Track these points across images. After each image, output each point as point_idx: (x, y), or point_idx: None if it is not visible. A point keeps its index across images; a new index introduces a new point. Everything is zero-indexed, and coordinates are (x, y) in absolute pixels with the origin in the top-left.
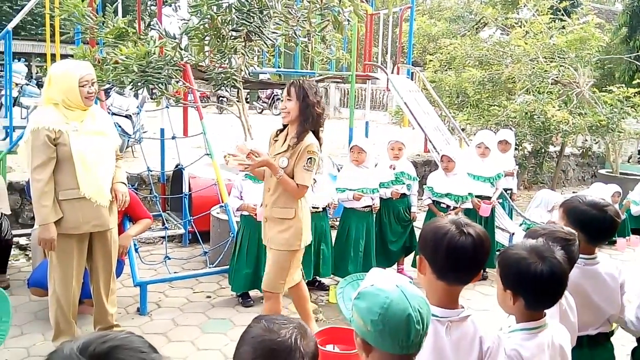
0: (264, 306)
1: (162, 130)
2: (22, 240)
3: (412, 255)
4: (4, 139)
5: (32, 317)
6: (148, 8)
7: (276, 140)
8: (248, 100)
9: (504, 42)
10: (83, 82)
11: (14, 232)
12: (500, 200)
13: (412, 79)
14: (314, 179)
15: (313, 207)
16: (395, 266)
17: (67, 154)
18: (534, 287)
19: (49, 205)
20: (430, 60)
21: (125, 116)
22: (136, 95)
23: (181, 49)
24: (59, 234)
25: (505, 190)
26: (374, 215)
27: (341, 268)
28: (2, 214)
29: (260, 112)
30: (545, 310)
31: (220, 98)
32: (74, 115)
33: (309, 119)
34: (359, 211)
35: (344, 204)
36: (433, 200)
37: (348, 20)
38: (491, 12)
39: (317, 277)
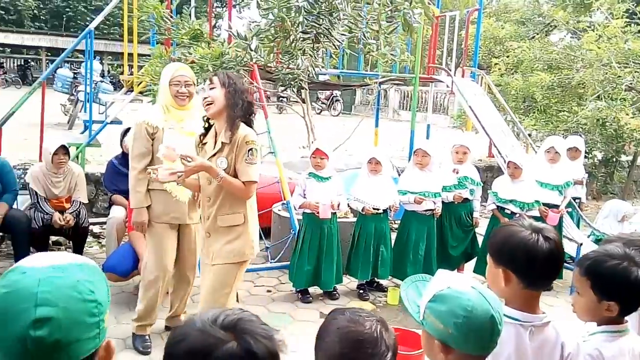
0: None
1: None
2: (96, 229)
3: (473, 261)
4: (83, 132)
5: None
6: (214, 9)
7: (204, 144)
8: (305, 100)
9: (575, 45)
10: (174, 81)
11: (89, 220)
12: (569, 210)
13: (476, 82)
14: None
15: (374, 209)
16: (455, 272)
17: (156, 149)
18: (631, 293)
19: (142, 192)
20: (496, 64)
21: None
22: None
23: (251, 50)
24: (150, 221)
25: (574, 199)
26: (435, 219)
27: (400, 270)
28: (80, 202)
29: (319, 113)
30: (626, 317)
31: (281, 98)
32: (174, 114)
33: (238, 106)
34: (420, 214)
35: (405, 206)
36: (497, 206)
37: (418, 22)
38: (562, 15)
39: (376, 279)
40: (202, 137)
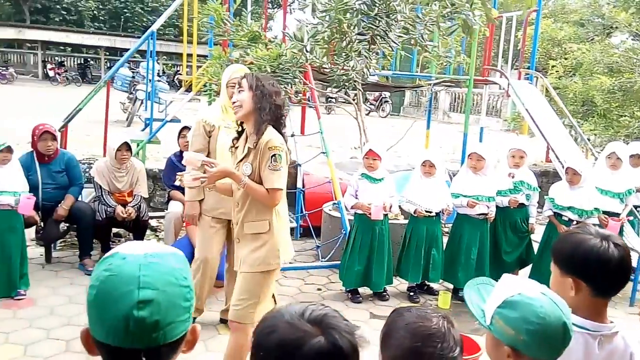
0: (230, 340)
1: None
2: (153, 222)
3: (527, 268)
4: (143, 130)
5: None
6: (261, 9)
7: (236, 148)
8: (356, 101)
9: (637, 49)
10: (230, 83)
11: (148, 214)
12: (630, 218)
13: (533, 85)
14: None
15: (427, 211)
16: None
17: (214, 147)
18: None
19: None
20: (554, 66)
21: None
22: None
23: (307, 52)
24: (202, 214)
25: (635, 207)
26: (489, 224)
27: (451, 274)
28: (141, 196)
29: (368, 114)
30: None
31: (329, 99)
32: (232, 114)
33: (265, 110)
34: (474, 218)
35: (458, 210)
36: (554, 213)
37: (478, 24)
38: (624, 16)
39: (426, 282)
40: (234, 141)
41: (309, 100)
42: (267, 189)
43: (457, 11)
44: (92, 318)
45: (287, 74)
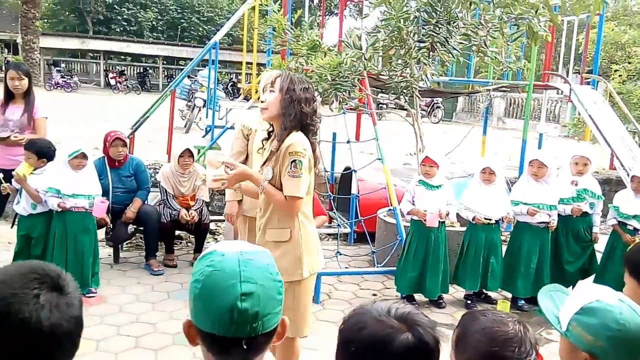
0: (277, 354)
1: (334, 135)
2: (212, 226)
3: (591, 279)
4: (204, 136)
5: None
6: (317, 17)
7: (264, 149)
8: (405, 107)
9: None
10: (264, 88)
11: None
12: None
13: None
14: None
15: (486, 218)
16: (570, 288)
17: (251, 149)
18: None
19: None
20: (616, 70)
21: None
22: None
23: (366, 59)
24: (241, 214)
25: None
26: (550, 232)
27: (510, 283)
28: (203, 200)
29: None
30: None
31: (380, 104)
32: None
33: (291, 116)
34: (534, 227)
35: (518, 218)
36: (618, 222)
37: (544, 30)
38: None
39: (484, 290)
40: (263, 142)
41: (364, 107)
42: (285, 196)
43: (522, 17)
44: (198, 310)
45: (346, 81)
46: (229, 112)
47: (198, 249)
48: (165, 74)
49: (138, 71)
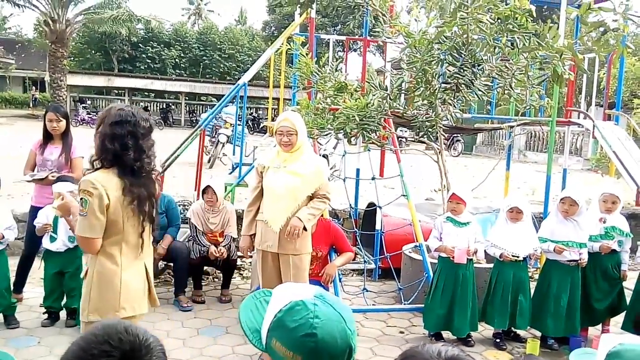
0: None
1: (357, 171)
2: (238, 261)
3: (619, 317)
4: (230, 173)
5: None
6: (335, 53)
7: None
8: (424, 141)
9: None
10: (278, 131)
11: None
12: None
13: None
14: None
15: (513, 256)
16: (599, 326)
17: (265, 185)
18: None
19: (246, 222)
20: (639, 105)
21: (323, 156)
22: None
23: (391, 99)
24: (257, 248)
25: None
26: (580, 270)
27: (539, 321)
28: (231, 237)
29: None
30: None
31: (399, 138)
32: (282, 156)
33: (97, 150)
34: (564, 264)
35: (547, 255)
36: None
37: (569, 74)
38: None
39: (513, 328)
40: None
41: (388, 144)
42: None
43: (547, 61)
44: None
45: (373, 121)
46: (255, 149)
47: (225, 284)
48: (187, 109)
49: (161, 107)
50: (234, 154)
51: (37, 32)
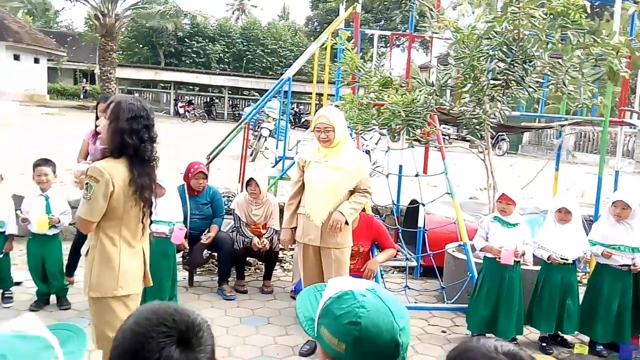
0: None
1: (400, 167)
2: (280, 254)
3: None
4: (274, 166)
5: (293, 321)
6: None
7: None
8: (468, 139)
9: None
10: (316, 128)
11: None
12: None
13: None
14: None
15: (562, 258)
16: None
17: (306, 179)
18: None
19: (287, 215)
20: None
21: (365, 151)
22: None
23: (437, 95)
24: (298, 242)
25: None
26: (632, 275)
27: (588, 326)
28: (273, 229)
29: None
30: None
31: (443, 136)
32: (323, 151)
33: (114, 144)
34: (615, 269)
35: (597, 259)
36: None
37: (625, 71)
38: None
39: (560, 333)
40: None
41: (433, 141)
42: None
43: (602, 58)
44: (357, 350)
45: (419, 117)
46: (297, 143)
47: (267, 276)
48: (230, 103)
49: (205, 100)
50: (276, 148)
51: (88, 26)
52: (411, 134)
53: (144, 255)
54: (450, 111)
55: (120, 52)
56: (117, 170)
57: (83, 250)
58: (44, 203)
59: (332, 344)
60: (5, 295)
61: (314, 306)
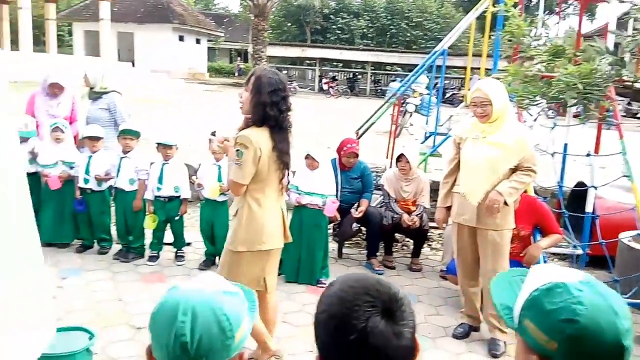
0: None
1: (565, 146)
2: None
3: None
4: (422, 142)
5: (443, 301)
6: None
7: None
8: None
9: None
10: (472, 102)
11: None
12: None
13: None
14: None
15: None
16: None
17: (462, 157)
18: None
19: (442, 194)
20: None
21: None
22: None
23: (620, 66)
24: (453, 221)
25: None
26: None
27: None
28: (423, 206)
29: None
30: None
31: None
32: (480, 126)
33: (257, 115)
34: None
35: None
36: None
37: None
38: None
39: None
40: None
41: (610, 118)
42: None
43: None
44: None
45: (599, 90)
46: (449, 119)
47: (416, 253)
48: (372, 79)
49: (348, 77)
50: (426, 124)
51: (242, 7)
52: (587, 110)
53: (282, 213)
54: (634, 84)
55: (271, 31)
56: (261, 138)
57: (231, 210)
58: (216, 172)
59: (540, 340)
60: (178, 254)
61: (509, 293)
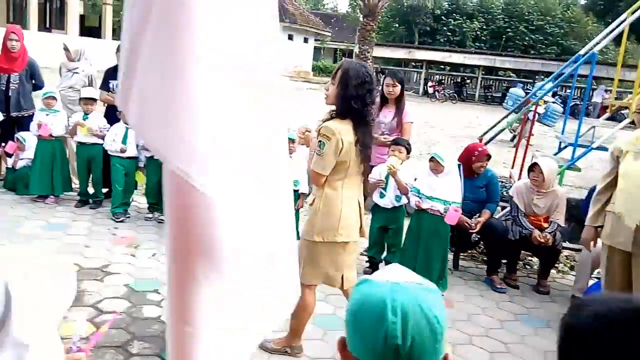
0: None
1: None
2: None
3: None
4: (556, 154)
5: None
6: None
7: None
8: None
9: None
10: (637, 109)
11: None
12: None
13: None
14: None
15: None
16: None
17: (621, 172)
18: None
19: (593, 211)
20: None
21: None
22: None
23: None
24: (603, 243)
25: None
26: None
27: None
28: (557, 224)
29: None
30: None
31: None
32: None
33: (341, 108)
34: None
35: None
36: None
37: None
38: None
39: None
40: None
41: None
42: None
43: None
44: None
45: None
46: (590, 129)
47: (544, 274)
48: (482, 84)
49: (455, 81)
50: (562, 133)
51: (351, 7)
52: None
53: (359, 207)
54: None
55: (377, 31)
56: (344, 130)
57: (309, 199)
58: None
59: None
60: None
61: None
